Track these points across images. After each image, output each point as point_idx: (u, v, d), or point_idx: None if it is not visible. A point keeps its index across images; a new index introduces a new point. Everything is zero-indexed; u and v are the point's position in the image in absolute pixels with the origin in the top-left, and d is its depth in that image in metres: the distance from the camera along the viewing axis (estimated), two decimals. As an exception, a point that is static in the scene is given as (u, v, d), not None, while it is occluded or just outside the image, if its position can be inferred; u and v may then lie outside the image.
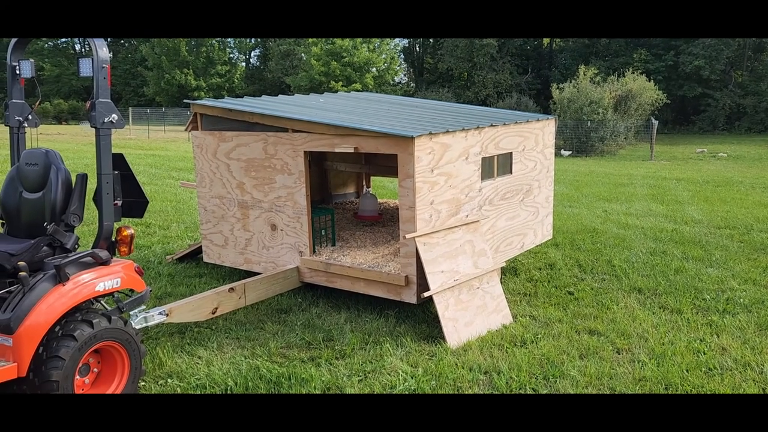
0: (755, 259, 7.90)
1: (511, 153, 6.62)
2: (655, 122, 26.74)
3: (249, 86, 54.61)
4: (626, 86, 30.27)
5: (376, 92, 42.53)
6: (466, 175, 5.88)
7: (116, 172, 4.21)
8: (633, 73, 31.99)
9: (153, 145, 28.57)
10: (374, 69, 46.67)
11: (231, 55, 56.41)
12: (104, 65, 4.02)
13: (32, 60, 4.34)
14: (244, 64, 59.72)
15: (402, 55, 51.81)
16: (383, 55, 47.13)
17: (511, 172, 6.67)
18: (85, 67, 4.04)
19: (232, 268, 7.01)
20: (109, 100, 4.07)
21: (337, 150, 5.67)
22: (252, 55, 60.55)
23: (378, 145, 5.44)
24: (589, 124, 27.08)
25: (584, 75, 29.66)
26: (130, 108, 41.81)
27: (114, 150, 4.18)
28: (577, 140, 27.04)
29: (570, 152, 26.85)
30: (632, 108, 30.14)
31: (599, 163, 23.40)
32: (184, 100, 7.56)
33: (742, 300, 6.22)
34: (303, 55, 48.92)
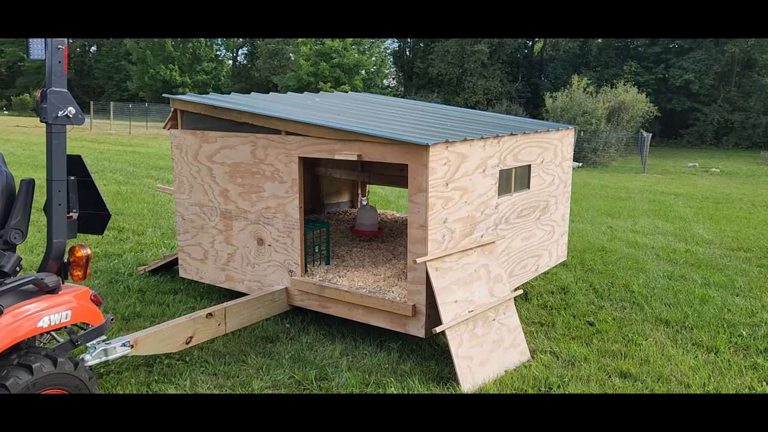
0: (781, 287, 7.29)
1: (529, 165, 5.93)
2: (648, 135, 26.31)
3: (235, 84, 53.54)
4: (619, 97, 29.86)
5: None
6: (482, 190, 5.18)
7: (72, 177, 3.44)
8: (624, 84, 31.61)
9: (133, 142, 27.56)
10: (363, 71, 45.92)
11: (218, 52, 55.35)
12: (60, 46, 3.26)
13: None
14: (231, 61, 58.70)
15: (392, 59, 51.11)
16: (373, 58, 46.41)
17: (528, 187, 5.97)
18: (37, 49, 3.27)
19: (211, 285, 6.23)
20: (65, 90, 3.31)
21: (337, 157, 4.93)
22: (239, 53, 59.53)
23: (385, 152, 4.70)
24: (582, 134, 26.59)
25: (578, 85, 29.19)
26: (111, 103, 40.65)
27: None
28: (570, 150, 26.46)
29: (580, 164, 25.09)
30: (624, 120, 29.76)
31: (593, 175, 22.86)
32: (163, 94, 6.77)
33: (782, 337, 5.58)
34: (291, 54, 48.07)
